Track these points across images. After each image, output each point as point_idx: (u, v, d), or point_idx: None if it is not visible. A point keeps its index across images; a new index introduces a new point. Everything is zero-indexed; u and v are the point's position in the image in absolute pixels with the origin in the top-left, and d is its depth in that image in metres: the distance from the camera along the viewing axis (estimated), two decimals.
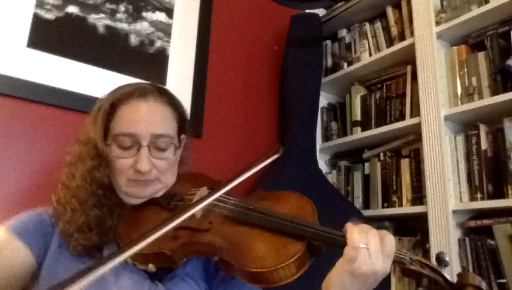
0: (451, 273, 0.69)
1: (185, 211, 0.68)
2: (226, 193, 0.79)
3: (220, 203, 0.82)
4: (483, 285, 0.64)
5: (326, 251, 0.72)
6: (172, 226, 0.64)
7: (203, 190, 0.87)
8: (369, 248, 0.67)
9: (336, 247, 0.69)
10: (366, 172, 1.90)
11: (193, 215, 0.80)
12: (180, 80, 1.66)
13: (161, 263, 0.77)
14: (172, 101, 0.94)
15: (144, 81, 1.01)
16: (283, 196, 0.85)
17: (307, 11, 2.09)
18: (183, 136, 0.96)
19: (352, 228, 0.70)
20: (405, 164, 1.73)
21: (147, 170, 0.84)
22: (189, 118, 1.02)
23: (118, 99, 0.89)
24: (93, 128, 0.88)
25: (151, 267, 0.78)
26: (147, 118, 0.87)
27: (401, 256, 0.70)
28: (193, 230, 0.78)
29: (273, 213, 0.77)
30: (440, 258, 0.70)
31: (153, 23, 1.65)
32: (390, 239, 0.69)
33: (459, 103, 1.54)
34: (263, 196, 0.86)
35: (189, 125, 1.00)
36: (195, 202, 0.76)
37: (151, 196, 0.89)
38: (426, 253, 1.53)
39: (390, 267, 0.69)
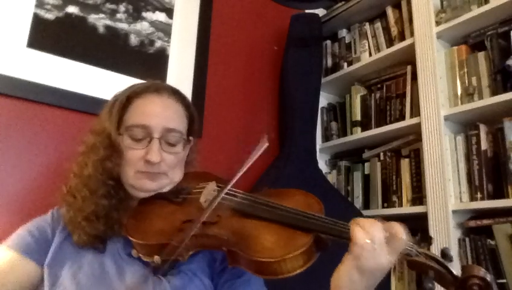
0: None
1: (223, 189, 0.75)
2: (234, 187, 0.81)
3: (228, 197, 0.83)
4: (488, 277, 0.63)
5: (331, 249, 0.72)
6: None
7: (212, 184, 0.89)
8: (373, 244, 0.66)
9: (345, 240, 0.68)
10: (366, 172, 1.90)
11: (201, 208, 0.81)
12: (180, 80, 1.65)
13: (167, 255, 0.77)
14: (184, 101, 0.97)
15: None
16: (290, 193, 0.85)
17: (307, 11, 2.09)
18: (191, 137, 0.98)
19: (356, 222, 0.69)
20: (405, 164, 1.72)
21: (157, 160, 0.86)
22: None
23: (134, 92, 0.92)
24: (108, 119, 0.91)
25: (156, 259, 0.78)
26: (160, 112, 0.90)
27: (407, 248, 0.70)
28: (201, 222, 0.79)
29: (281, 206, 0.77)
30: (445, 253, 0.70)
31: (153, 23, 1.65)
32: (400, 237, 0.67)
33: (459, 103, 1.54)
34: (270, 193, 0.87)
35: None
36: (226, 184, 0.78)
37: (157, 191, 0.90)
38: None
39: (396, 259, 0.68)
